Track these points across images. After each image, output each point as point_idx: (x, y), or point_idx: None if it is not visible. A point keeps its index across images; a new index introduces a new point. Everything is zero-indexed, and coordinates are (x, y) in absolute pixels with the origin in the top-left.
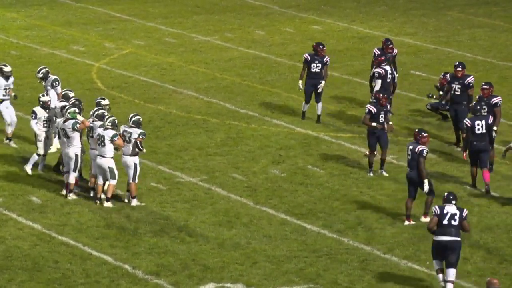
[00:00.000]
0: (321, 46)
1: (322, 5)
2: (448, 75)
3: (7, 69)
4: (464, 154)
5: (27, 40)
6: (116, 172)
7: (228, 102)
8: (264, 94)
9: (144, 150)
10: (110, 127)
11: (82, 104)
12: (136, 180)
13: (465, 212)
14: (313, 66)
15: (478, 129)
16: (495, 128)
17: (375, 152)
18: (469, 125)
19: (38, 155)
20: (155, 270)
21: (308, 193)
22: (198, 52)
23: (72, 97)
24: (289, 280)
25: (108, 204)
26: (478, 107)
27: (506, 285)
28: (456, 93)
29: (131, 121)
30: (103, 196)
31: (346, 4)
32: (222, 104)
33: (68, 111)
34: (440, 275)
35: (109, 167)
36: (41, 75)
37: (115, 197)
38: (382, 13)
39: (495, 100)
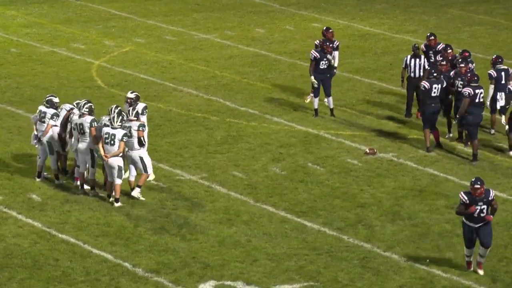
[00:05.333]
0: (327, 43)
1: (322, 3)
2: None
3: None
4: (418, 114)
5: (27, 38)
6: (123, 172)
7: (228, 100)
8: (264, 92)
9: (146, 145)
10: (119, 126)
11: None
12: (149, 171)
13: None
14: (322, 63)
15: (434, 92)
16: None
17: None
18: (427, 87)
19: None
20: (155, 268)
21: (308, 191)
22: (198, 50)
23: (56, 103)
24: (289, 277)
25: (118, 205)
26: (435, 73)
27: (507, 282)
28: (459, 89)
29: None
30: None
31: (347, 1)
32: (222, 102)
33: (86, 106)
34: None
35: (118, 166)
36: (133, 96)
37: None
38: (382, 11)
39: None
